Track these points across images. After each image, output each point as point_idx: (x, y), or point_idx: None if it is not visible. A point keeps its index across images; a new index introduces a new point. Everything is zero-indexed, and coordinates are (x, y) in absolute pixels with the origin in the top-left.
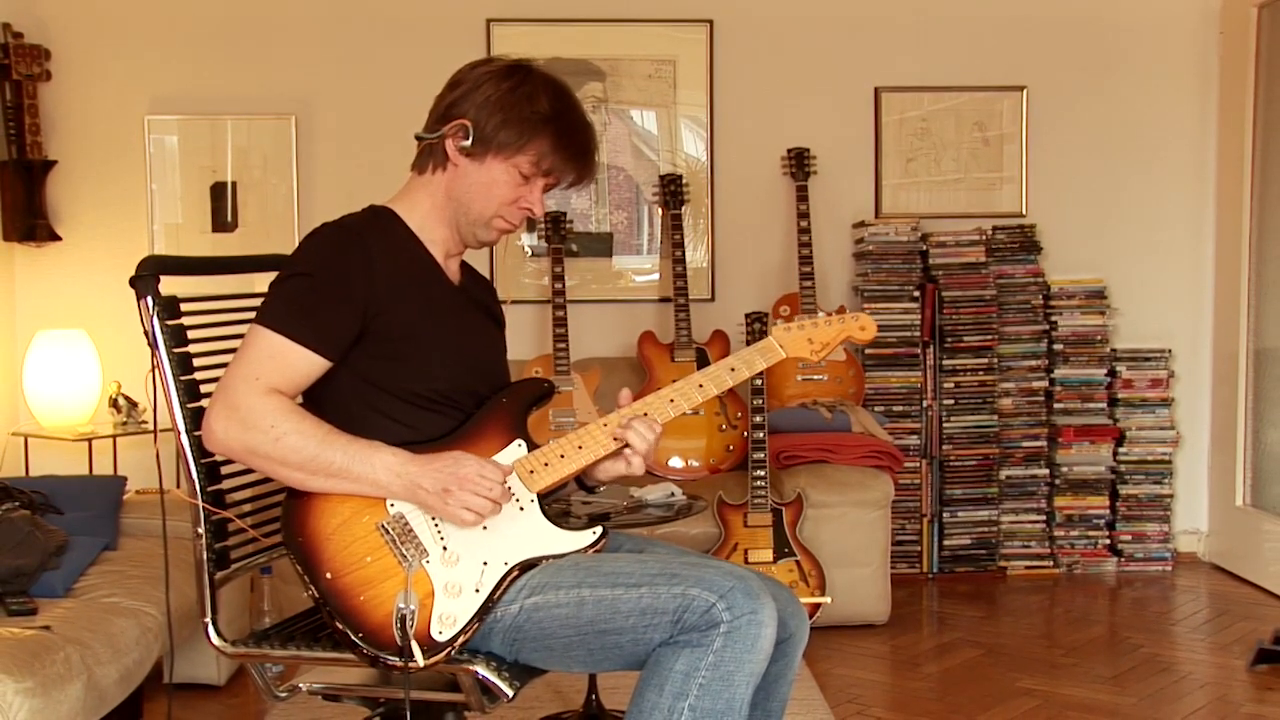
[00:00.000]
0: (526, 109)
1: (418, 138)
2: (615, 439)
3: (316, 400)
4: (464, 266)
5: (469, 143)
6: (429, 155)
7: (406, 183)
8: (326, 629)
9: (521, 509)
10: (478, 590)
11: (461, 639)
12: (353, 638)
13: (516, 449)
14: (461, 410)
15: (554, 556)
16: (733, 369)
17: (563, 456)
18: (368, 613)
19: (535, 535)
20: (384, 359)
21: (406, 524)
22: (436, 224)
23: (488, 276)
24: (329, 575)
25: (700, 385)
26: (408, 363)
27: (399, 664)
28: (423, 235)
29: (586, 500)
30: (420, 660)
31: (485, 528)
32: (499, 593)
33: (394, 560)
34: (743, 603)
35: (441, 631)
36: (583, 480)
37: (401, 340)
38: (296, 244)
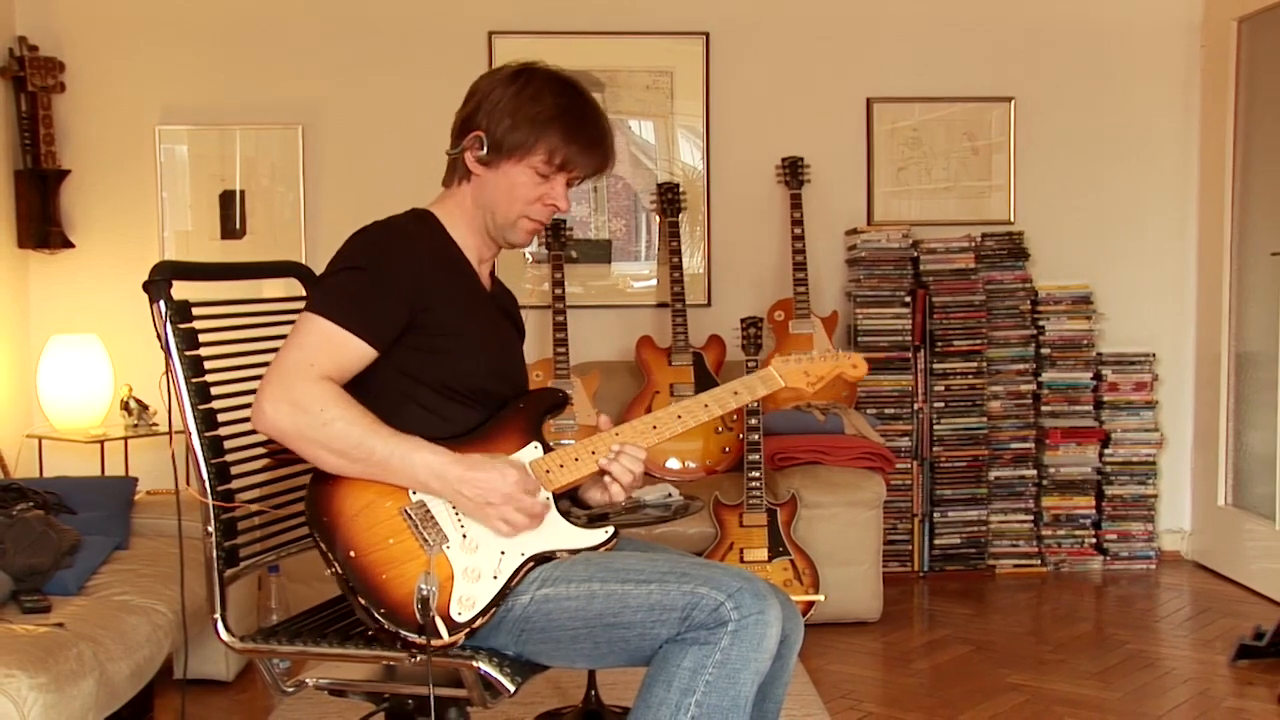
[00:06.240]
0: (531, 109)
1: (448, 154)
2: (601, 468)
3: (356, 386)
4: (493, 277)
5: (484, 152)
6: (454, 169)
7: (440, 195)
8: (333, 625)
9: None
10: (495, 577)
11: (480, 620)
12: (374, 613)
13: (533, 450)
14: (488, 407)
15: (568, 551)
16: (736, 393)
17: (577, 460)
18: (389, 590)
19: (551, 530)
20: (424, 352)
21: (428, 510)
22: (468, 232)
23: None
24: (352, 553)
25: (706, 405)
26: (445, 357)
27: (419, 640)
28: (458, 241)
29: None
30: (445, 635)
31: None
32: (514, 581)
33: (416, 543)
34: (750, 603)
35: (461, 613)
36: (575, 496)
37: (442, 336)
38: (303, 249)
